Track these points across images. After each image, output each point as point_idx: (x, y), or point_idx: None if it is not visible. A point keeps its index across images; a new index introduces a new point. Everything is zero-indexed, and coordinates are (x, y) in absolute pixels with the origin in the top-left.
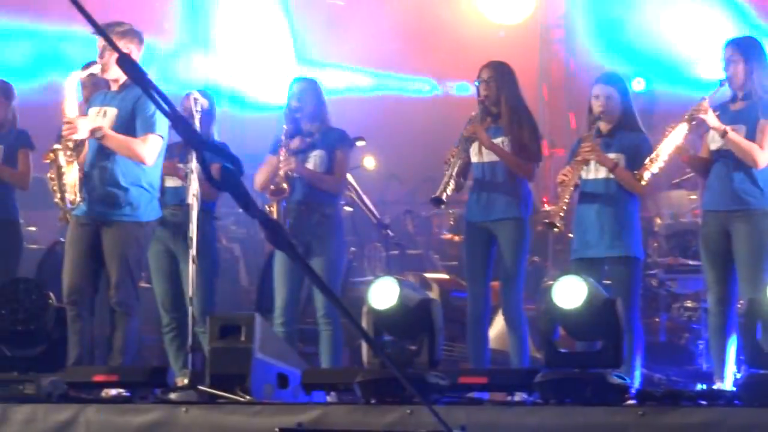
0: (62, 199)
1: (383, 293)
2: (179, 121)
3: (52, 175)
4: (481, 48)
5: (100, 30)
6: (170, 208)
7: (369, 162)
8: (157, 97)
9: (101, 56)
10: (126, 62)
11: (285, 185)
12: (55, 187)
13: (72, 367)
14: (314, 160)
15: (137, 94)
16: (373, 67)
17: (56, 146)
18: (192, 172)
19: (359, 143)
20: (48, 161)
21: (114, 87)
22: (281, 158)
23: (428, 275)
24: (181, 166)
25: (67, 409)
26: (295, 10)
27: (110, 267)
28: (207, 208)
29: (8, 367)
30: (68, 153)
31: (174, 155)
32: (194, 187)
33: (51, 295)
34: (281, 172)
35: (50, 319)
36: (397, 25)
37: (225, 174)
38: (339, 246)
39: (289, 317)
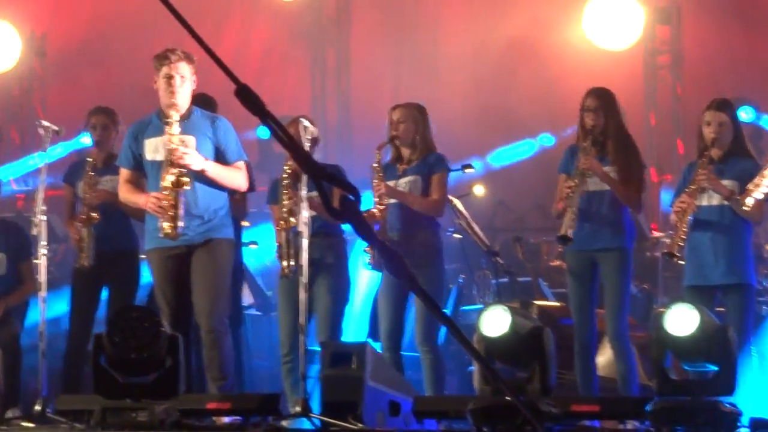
0: (174, 227)
1: (494, 321)
2: (297, 150)
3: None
4: (587, 73)
5: (215, 57)
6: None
7: (478, 189)
8: (274, 126)
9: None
10: (244, 93)
11: (376, 211)
12: (170, 213)
13: (184, 394)
14: (408, 185)
15: (214, 121)
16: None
17: (173, 171)
18: (303, 201)
19: (468, 170)
20: (172, 189)
21: (174, 115)
22: (374, 183)
23: (538, 302)
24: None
25: None
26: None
27: (201, 292)
28: (335, 232)
29: (122, 394)
30: (183, 179)
31: None
32: (305, 215)
33: (164, 323)
34: (375, 198)
35: (163, 347)
36: (503, 48)
37: (345, 204)
38: (438, 275)
39: (394, 344)
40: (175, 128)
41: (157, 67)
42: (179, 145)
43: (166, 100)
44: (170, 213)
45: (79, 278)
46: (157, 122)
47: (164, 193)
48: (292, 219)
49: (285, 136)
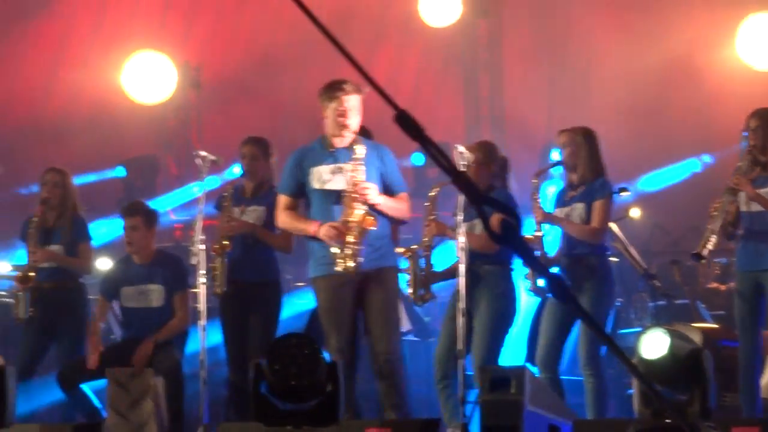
0: (356, 263)
1: (653, 344)
2: (459, 177)
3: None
4: (743, 93)
5: (373, 83)
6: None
7: (634, 212)
8: (434, 151)
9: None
10: (403, 118)
11: (532, 237)
12: (355, 248)
13: (345, 420)
14: (572, 212)
15: (380, 152)
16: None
17: (360, 207)
18: (459, 226)
19: (623, 194)
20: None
21: (359, 150)
22: (533, 209)
23: (696, 325)
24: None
25: None
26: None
27: (379, 320)
28: (503, 261)
29: (282, 421)
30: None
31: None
32: (462, 240)
33: (330, 349)
34: (536, 218)
35: (323, 373)
36: (657, 69)
37: (506, 228)
38: (601, 297)
39: (553, 367)
40: (359, 162)
41: (327, 97)
42: (362, 180)
43: (335, 131)
44: (355, 248)
45: (226, 307)
46: (321, 150)
47: (348, 226)
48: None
49: (444, 161)
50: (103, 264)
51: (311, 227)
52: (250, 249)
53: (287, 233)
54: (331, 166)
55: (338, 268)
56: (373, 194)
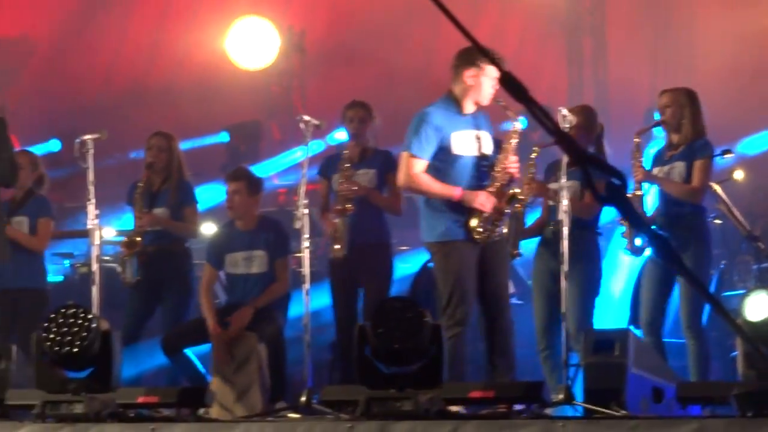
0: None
1: (757, 306)
2: (563, 137)
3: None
4: None
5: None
6: (555, 226)
7: (738, 174)
8: (539, 114)
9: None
10: (509, 80)
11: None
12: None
13: (446, 383)
14: (670, 171)
15: (487, 119)
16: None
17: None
18: (562, 189)
19: (727, 155)
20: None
21: (469, 109)
22: (632, 169)
23: None
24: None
25: (444, 426)
26: None
27: (497, 283)
28: (589, 225)
29: (386, 384)
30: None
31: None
32: (564, 204)
33: (427, 313)
34: (634, 183)
35: (426, 337)
36: (761, 35)
37: (610, 189)
38: (701, 257)
39: (656, 329)
40: (515, 135)
41: (475, 62)
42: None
43: (481, 99)
44: (500, 218)
45: (336, 270)
46: (457, 114)
47: (501, 195)
48: None
49: (549, 122)
50: (208, 229)
51: (454, 192)
52: (364, 212)
53: (398, 196)
54: (475, 132)
55: (478, 237)
56: (516, 169)
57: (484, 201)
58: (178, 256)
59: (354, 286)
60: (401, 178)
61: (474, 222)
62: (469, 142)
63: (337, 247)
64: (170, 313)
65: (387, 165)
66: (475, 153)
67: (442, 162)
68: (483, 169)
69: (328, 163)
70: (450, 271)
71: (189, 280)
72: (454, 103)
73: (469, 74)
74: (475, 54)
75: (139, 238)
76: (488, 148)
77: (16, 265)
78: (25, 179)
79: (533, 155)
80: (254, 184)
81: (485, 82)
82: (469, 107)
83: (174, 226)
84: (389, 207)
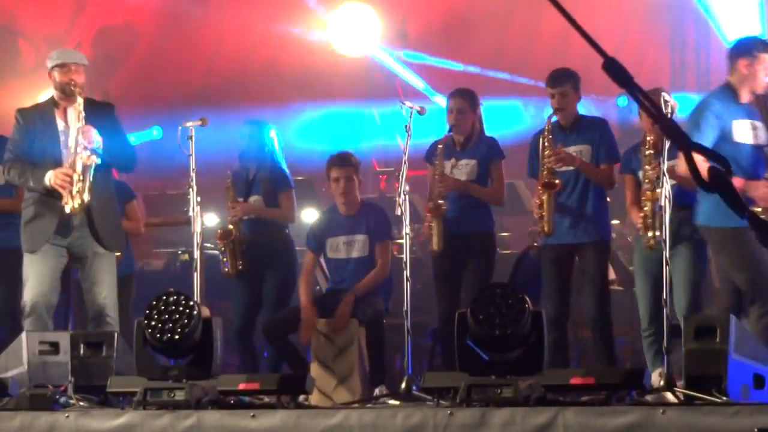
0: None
1: None
2: (667, 123)
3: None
4: None
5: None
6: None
7: None
8: (643, 99)
9: None
10: (612, 65)
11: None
12: None
13: (549, 370)
14: None
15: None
16: None
17: None
18: (664, 172)
19: None
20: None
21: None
22: None
23: None
24: None
25: (544, 412)
26: None
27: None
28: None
29: (486, 371)
30: None
31: None
32: (667, 187)
33: (527, 299)
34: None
35: (527, 323)
36: None
37: (714, 175)
38: None
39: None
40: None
41: (751, 52)
42: None
43: (759, 87)
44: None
45: (438, 261)
46: (735, 105)
47: None
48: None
49: (652, 106)
50: (309, 215)
51: (736, 180)
52: (464, 201)
53: (501, 186)
54: (751, 122)
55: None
56: None
57: (764, 194)
58: (278, 243)
59: (456, 276)
60: (681, 166)
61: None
62: (746, 131)
63: (434, 241)
64: (271, 300)
65: (490, 154)
66: (751, 142)
67: (722, 150)
68: (759, 158)
69: (434, 149)
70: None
71: (291, 267)
72: (732, 92)
73: (743, 63)
74: (749, 44)
75: (231, 227)
76: (762, 138)
77: None
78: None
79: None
80: (358, 169)
81: (760, 71)
82: (745, 96)
83: (268, 213)
84: (491, 198)
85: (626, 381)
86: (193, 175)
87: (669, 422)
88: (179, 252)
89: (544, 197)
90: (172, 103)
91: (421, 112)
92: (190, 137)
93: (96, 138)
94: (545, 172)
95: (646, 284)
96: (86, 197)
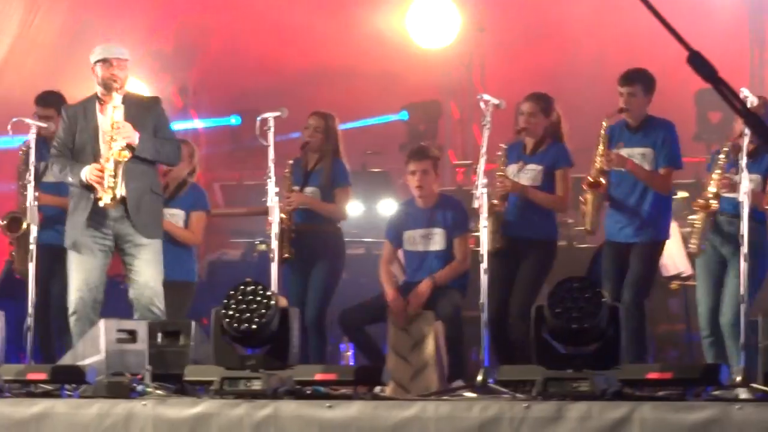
0: None
1: None
2: (751, 117)
3: None
4: None
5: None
6: (726, 215)
7: None
8: (728, 93)
9: None
10: (697, 59)
11: None
12: None
13: (625, 365)
14: None
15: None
16: None
17: None
18: (742, 170)
19: None
20: None
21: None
22: None
23: None
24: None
25: (621, 407)
26: None
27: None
28: (761, 218)
29: (563, 364)
30: None
31: None
32: (745, 187)
33: (604, 293)
34: None
35: (603, 318)
36: None
37: None
38: None
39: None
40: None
41: None
42: None
43: None
44: None
45: (493, 261)
46: None
47: None
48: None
49: (737, 101)
50: (386, 207)
51: None
52: (528, 208)
53: (565, 192)
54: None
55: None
56: None
57: None
58: (329, 236)
59: (508, 279)
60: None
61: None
62: None
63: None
64: (319, 290)
65: (557, 161)
66: None
67: None
68: None
69: (509, 150)
70: None
71: (339, 258)
72: None
73: None
74: None
75: (284, 216)
76: None
77: (166, 257)
78: (181, 169)
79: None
80: (438, 163)
81: None
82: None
83: (320, 206)
84: (552, 204)
85: (703, 376)
86: (271, 165)
87: (745, 418)
88: (256, 242)
89: (588, 196)
90: (250, 93)
91: (499, 106)
92: (269, 128)
93: (130, 133)
94: (594, 171)
95: (707, 286)
96: (119, 192)
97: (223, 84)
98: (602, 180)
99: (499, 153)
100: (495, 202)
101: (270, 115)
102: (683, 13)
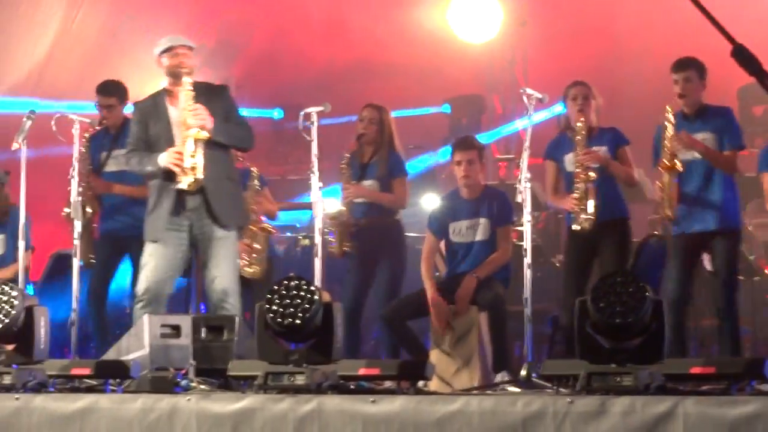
0: None
1: None
2: None
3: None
4: None
5: (712, 18)
6: None
7: None
8: None
9: None
10: (741, 52)
11: None
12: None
13: (669, 359)
14: None
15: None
16: None
17: None
18: None
19: None
20: None
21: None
22: None
23: None
24: None
25: (664, 401)
26: None
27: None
28: None
29: (606, 359)
30: None
31: None
32: None
33: (648, 287)
34: None
35: (647, 312)
36: None
37: None
38: None
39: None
40: None
41: None
42: None
43: None
44: None
45: (574, 242)
46: None
47: None
48: None
49: None
50: (428, 200)
51: None
52: (600, 188)
53: (632, 168)
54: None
55: None
56: None
57: None
58: (390, 228)
59: (587, 260)
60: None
61: None
62: None
63: (583, 217)
64: (384, 286)
65: (617, 140)
66: None
67: None
68: None
69: (556, 144)
70: None
71: (402, 253)
72: None
73: None
74: None
75: (343, 209)
76: None
77: None
78: None
79: None
80: (482, 153)
81: None
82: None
83: (380, 197)
84: (628, 178)
85: (747, 371)
86: (315, 160)
87: None
88: (300, 237)
89: (665, 180)
90: (293, 88)
91: (542, 100)
92: (312, 122)
93: (204, 116)
94: (666, 155)
95: None
96: (200, 174)
97: (265, 79)
98: (676, 163)
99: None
100: (591, 174)
101: (313, 110)
102: (725, 5)
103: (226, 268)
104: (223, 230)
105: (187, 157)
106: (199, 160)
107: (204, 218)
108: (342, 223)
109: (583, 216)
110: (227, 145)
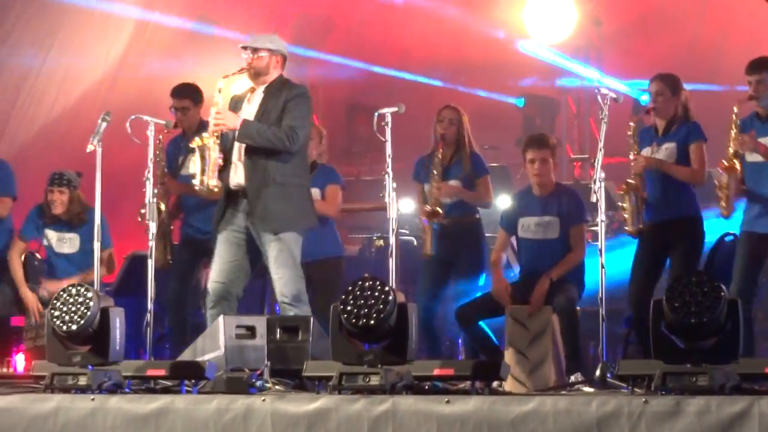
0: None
1: None
2: None
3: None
4: None
5: None
6: None
7: None
8: None
9: None
10: None
11: None
12: None
13: (744, 359)
14: None
15: None
16: None
17: None
18: None
19: None
20: None
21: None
22: None
23: None
24: None
25: (740, 401)
26: None
27: None
28: None
29: (682, 359)
30: None
31: None
32: None
33: (723, 287)
34: None
35: (722, 312)
36: None
37: None
38: None
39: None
40: None
41: None
42: None
43: None
44: None
45: (642, 241)
46: None
47: None
48: None
49: None
50: (502, 202)
51: None
52: (664, 186)
53: (701, 166)
54: None
55: None
56: None
57: None
58: (471, 227)
59: (655, 263)
60: None
61: None
62: None
63: (626, 222)
64: (463, 284)
65: (690, 136)
66: None
67: None
68: None
69: (641, 135)
70: None
71: (481, 252)
72: None
73: None
74: None
75: (438, 209)
76: None
77: (308, 237)
78: (311, 150)
79: None
80: (555, 151)
81: None
82: None
83: (470, 196)
84: (688, 176)
85: None
86: (389, 160)
87: None
88: (374, 237)
89: (724, 179)
90: (367, 88)
91: (617, 100)
92: (387, 123)
93: (225, 120)
94: (728, 155)
95: None
96: (212, 181)
97: (342, 77)
98: (737, 163)
99: (630, 132)
100: (630, 181)
101: (387, 111)
102: None
103: (277, 272)
104: (269, 235)
105: (213, 162)
106: (212, 167)
107: (252, 221)
108: (436, 221)
109: (626, 227)
110: (260, 148)
